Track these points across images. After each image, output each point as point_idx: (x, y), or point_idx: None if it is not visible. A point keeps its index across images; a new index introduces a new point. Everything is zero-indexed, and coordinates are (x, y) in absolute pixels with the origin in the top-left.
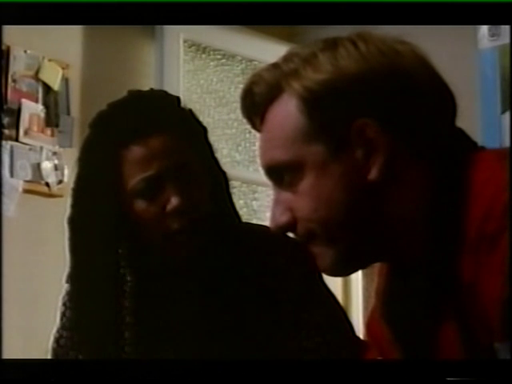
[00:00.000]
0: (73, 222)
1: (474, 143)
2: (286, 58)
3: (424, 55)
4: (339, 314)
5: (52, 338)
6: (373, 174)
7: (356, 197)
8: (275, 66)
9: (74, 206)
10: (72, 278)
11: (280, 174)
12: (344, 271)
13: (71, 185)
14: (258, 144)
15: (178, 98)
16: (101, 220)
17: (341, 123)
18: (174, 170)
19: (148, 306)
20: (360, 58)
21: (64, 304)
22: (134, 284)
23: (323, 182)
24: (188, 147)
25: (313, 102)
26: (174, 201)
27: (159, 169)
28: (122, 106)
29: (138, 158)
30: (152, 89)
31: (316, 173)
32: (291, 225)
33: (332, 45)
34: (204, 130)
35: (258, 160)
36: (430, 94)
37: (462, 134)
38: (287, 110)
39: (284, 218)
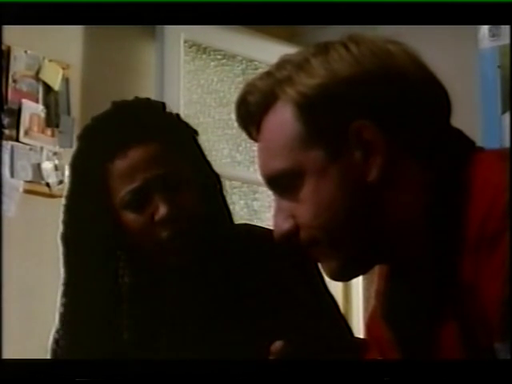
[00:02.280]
0: (66, 237)
1: (473, 143)
2: (279, 66)
3: (416, 54)
4: (338, 318)
5: (51, 339)
6: (372, 175)
7: (357, 200)
8: (268, 74)
9: (66, 222)
10: (69, 284)
11: (280, 182)
12: (348, 276)
13: (62, 200)
14: (256, 154)
15: (163, 104)
16: (95, 230)
17: (337, 127)
18: (160, 179)
19: (146, 308)
20: (352, 61)
21: (63, 305)
22: (132, 286)
23: (323, 187)
24: (174, 154)
25: (308, 108)
26: (161, 210)
27: (144, 180)
28: (106, 118)
29: (123, 171)
30: (136, 97)
31: (316, 178)
32: (294, 231)
33: (324, 49)
34: (194, 132)
35: (258, 170)
36: (425, 93)
37: (460, 134)
38: (283, 118)
39: (287, 225)
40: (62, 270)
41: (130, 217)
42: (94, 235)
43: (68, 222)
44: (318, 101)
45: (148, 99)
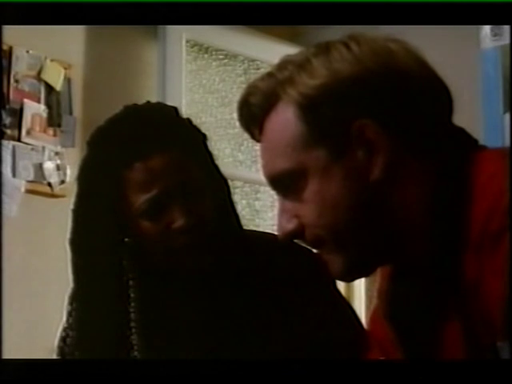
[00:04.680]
0: (75, 243)
1: (475, 141)
2: (280, 66)
3: (417, 52)
4: (353, 319)
5: (58, 337)
6: (375, 174)
7: (360, 199)
8: (270, 74)
9: (75, 227)
10: (78, 290)
11: (284, 182)
12: (353, 276)
13: (71, 205)
14: (259, 154)
15: (175, 109)
16: (104, 237)
17: (340, 126)
18: (177, 188)
19: (152, 311)
20: (354, 60)
21: (71, 303)
22: (138, 289)
23: (327, 186)
24: (189, 162)
25: (310, 108)
26: (179, 219)
27: (162, 189)
28: (121, 123)
29: (141, 179)
30: (148, 101)
31: (319, 178)
32: (299, 232)
33: (325, 49)
34: (204, 137)
35: (261, 170)
36: (426, 91)
37: (462, 132)
38: (285, 118)
39: (291, 226)
40: (70, 276)
41: (146, 225)
42: (104, 243)
43: (77, 227)
44: (319, 101)
45: (160, 103)
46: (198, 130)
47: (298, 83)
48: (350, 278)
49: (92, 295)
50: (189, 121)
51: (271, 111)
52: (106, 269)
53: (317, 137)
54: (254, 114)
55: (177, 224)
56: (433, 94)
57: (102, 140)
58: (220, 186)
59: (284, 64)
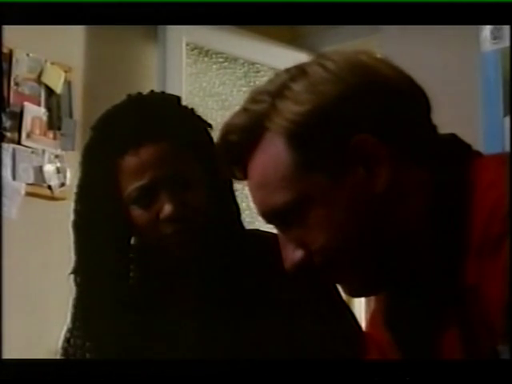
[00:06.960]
0: (77, 225)
1: (469, 146)
2: (254, 100)
3: (387, 59)
4: (350, 319)
5: (62, 338)
6: (379, 186)
7: (368, 214)
8: (245, 110)
9: (77, 210)
10: (79, 278)
11: (285, 215)
12: (369, 292)
13: (74, 189)
14: (249, 192)
15: (178, 98)
16: (106, 223)
17: (336, 147)
18: (168, 179)
19: (151, 307)
20: (335, 78)
21: (74, 305)
22: (138, 284)
23: (332, 209)
24: (186, 152)
25: (301, 135)
26: (166, 209)
27: (152, 178)
28: (120, 112)
29: (132, 168)
30: (152, 91)
31: (324, 202)
32: (307, 259)
33: (301, 73)
34: (208, 125)
35: (256, 208)
36: (408, 95)
37: (455, 138)
38: (275, 150)
39: (299, 255)
40: (72, 258)
41: (136, 212)
42: (105, 226)
43: (79, 210)
44: (310, 126)
45: (163, 93)
46: (202, 120)
47: (283, 112)
48: (365, 295)
49: (93, 279)
50: (192, 110)
51: (256, 146)
52: (108, 255)
53: (313, 162)
54: (234, 153)
55: (165, 212)
56: (414, 97)
57: (102, 126)
58: (221, 178)
59: (258, 96)
